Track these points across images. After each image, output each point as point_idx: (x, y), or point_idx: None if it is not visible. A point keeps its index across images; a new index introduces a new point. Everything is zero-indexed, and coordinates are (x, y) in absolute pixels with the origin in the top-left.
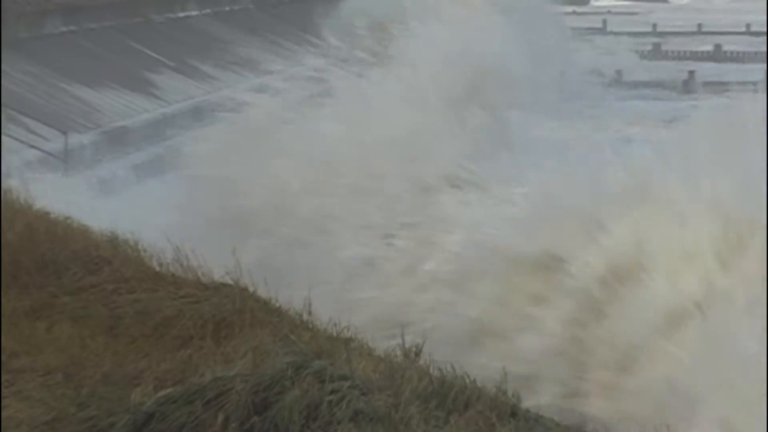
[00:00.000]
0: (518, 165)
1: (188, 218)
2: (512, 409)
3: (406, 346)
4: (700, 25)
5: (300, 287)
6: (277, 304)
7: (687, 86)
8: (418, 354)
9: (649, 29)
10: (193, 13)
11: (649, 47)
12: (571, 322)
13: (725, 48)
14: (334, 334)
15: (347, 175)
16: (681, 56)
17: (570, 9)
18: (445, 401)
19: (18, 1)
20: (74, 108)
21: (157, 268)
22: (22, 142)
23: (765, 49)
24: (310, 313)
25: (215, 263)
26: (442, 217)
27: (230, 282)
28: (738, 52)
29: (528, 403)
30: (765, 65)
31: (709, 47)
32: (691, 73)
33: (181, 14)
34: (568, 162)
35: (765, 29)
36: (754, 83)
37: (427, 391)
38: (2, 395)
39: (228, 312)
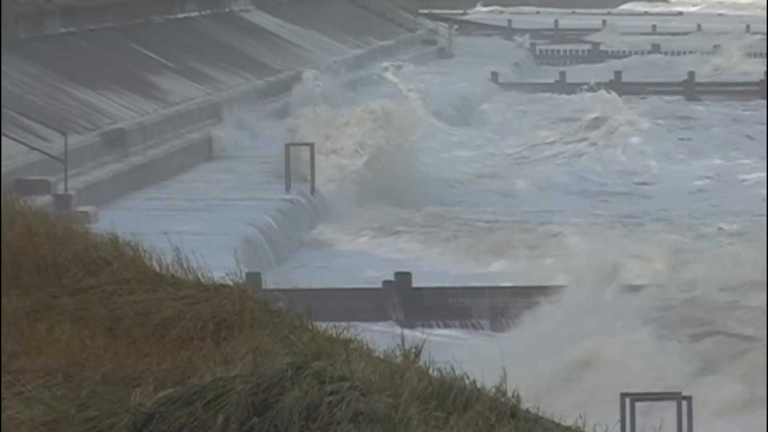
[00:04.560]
0: None
1: None
2: (512, 409)
3: (406, 347)
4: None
5: None
6: (277, 305)
7: None
8: (417, 355)
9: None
10: (193, 14)
11: None
12: None
13: None
14: (334, 335)
15: None
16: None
17: None
18: (444, 402)
19: (18, 2)
20: (74, 109)
21: (157, 269)
22: (21, 143)
23: None
24: (310, 314)
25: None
26: None
27: (230, 283)
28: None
29: None
30: None
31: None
32: None
33: (181, 15)
34: None
35: None
36: None
37: (426, 392)
38: (2, 396)
39: (228, 313)
